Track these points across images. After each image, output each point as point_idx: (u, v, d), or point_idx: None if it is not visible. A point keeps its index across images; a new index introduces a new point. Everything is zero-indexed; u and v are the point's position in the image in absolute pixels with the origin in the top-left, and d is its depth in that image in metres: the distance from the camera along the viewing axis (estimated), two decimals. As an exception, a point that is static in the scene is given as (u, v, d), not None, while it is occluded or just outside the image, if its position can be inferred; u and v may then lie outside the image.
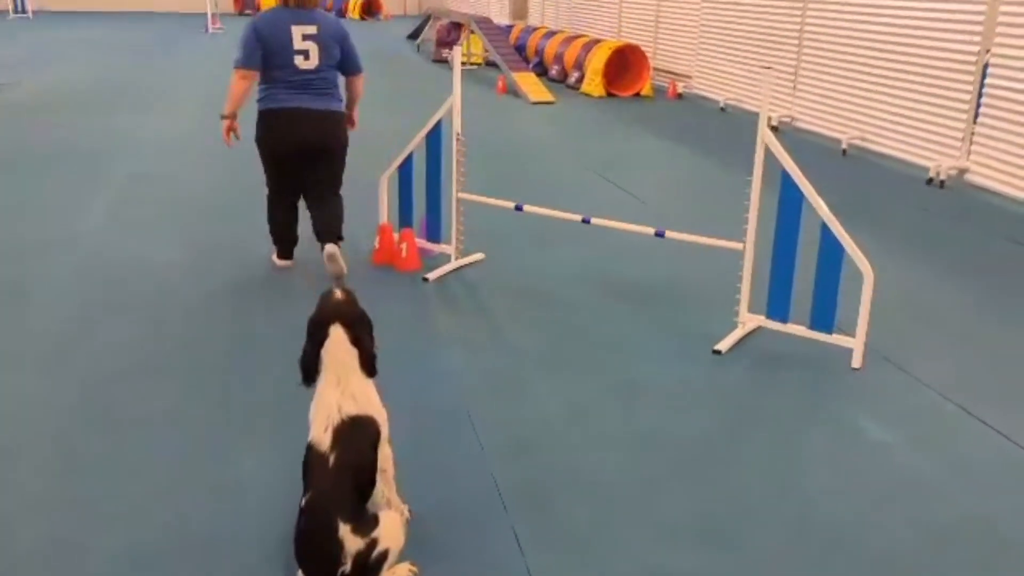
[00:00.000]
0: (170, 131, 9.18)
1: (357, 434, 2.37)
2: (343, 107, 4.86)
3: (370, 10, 28.07)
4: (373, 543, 2.28)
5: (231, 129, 4.92)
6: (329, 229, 4.77)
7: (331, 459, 2.31)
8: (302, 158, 4.76)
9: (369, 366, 2.47)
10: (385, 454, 2.50)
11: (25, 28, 21.51)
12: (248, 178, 7.15)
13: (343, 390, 2.40)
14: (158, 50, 17.38)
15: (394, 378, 3.75)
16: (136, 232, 5.75)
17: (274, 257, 5.13)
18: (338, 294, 2.50)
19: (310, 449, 2.37)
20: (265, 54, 4.56)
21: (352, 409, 2.39)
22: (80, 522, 2.73)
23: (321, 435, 2.35)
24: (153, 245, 5.48)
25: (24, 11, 24.23)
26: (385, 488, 2.50)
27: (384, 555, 2.30)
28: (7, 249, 5.34)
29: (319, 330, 2.47)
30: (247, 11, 28.75)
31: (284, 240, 5.08)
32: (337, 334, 2.44)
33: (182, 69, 14.44)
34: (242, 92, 4.73)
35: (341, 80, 4.88)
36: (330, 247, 4.60)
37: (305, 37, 4.56)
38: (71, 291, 4.69)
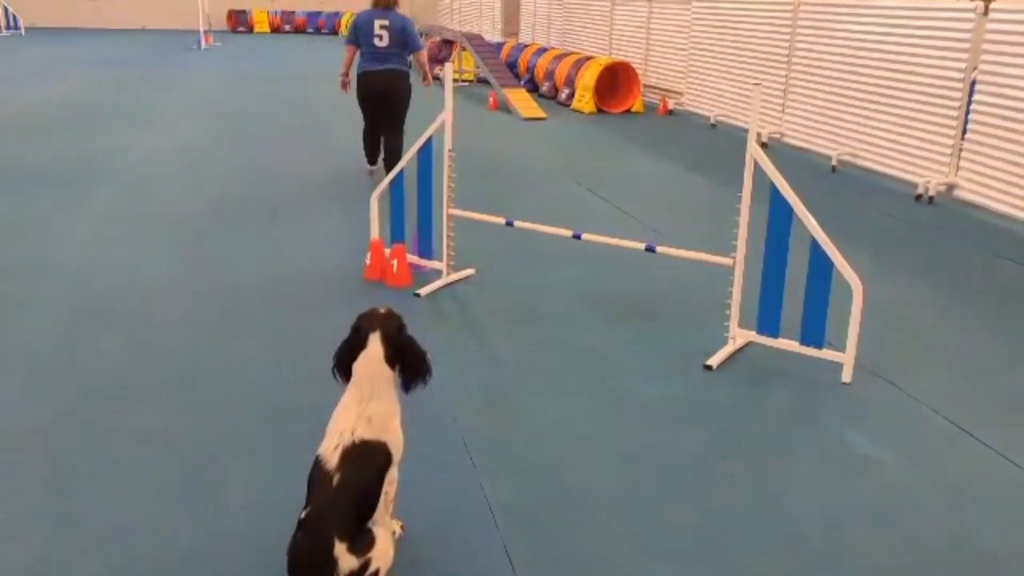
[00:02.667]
0: (161, 148, 9.18)
1: (365, 460, 2.36)
2: (404, 68, 7.32)
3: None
4: (367, 563, 2.26)
5: (345, 84, 7.66)
6: (389, 160, 7.36)
7: (335, 478, 2.30)
8: (375, 101, 7.34)
9: (407, 384, 2.49)
10: (391, 477, 2.48)
11: (17, 44, 21.53)
12: (239, 196, 7.17)
13: (362, 411, 2.40)
14: (152, 67, 17.40)
15: (385, 394, 3.75)
16: (124, 249, 5.74)
17: (365, 163, 7.84)
18: (382, 309, 2.53)
19: (317, 463, 2.37)
20: (358, 36, 7.25)
21: (366, 434, 2.38)
22: (67, 540, 2.71)
23: (330, 452, 2.35)
24: (141, 262, 5.47)
25: (17, 27, 24.25)
26: (382, 507, 2.49)
27: (375, 575, 2.29)
28: (-4, 266, 5.31)
29: (358, 336, 2.48)
30: (240, 28, 28.87)
31: (370, 153, 7.80)
32: (374, 347, 2.45)
33: (175, 86, 14.45)
34: (349, 59, 7.53)
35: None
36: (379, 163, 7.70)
37: (381, 27, 7.16)
38: (57, 309, 4.66)
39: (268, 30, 29.27)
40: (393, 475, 2.49)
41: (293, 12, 29.44)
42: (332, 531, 2.23)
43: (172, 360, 4.06)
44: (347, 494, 2.29)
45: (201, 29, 21.77)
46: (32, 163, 8.24)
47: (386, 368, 2.45)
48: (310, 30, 29.58)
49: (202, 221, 6.41)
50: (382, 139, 7.61)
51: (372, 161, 7.81)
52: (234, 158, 8.73)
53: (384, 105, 7.33)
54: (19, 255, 5.53)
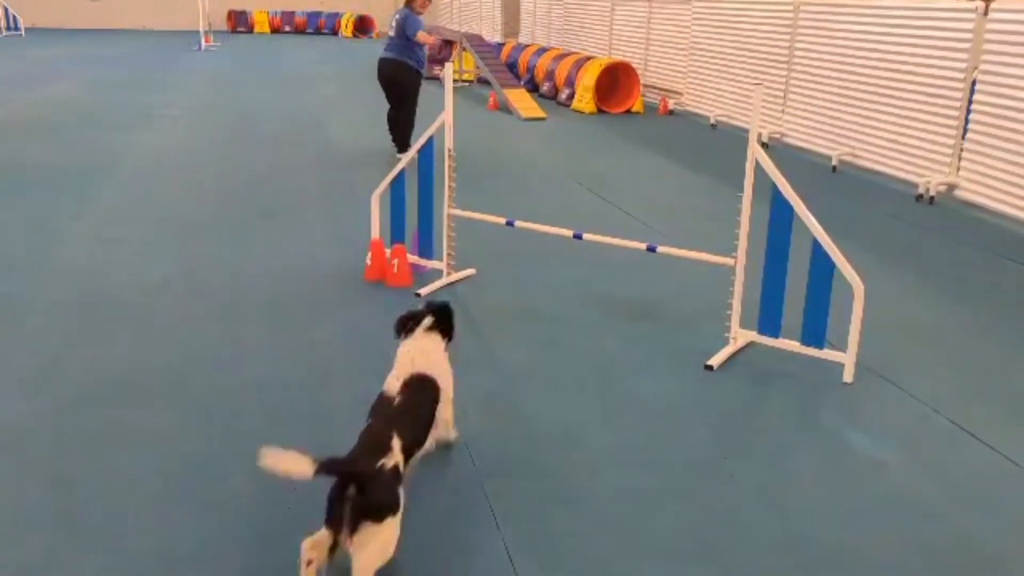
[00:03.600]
0: (161, 148, 9.18)
1: (421, 388, 2.85)
2: (402, 59, 8.45)
3: (363, 28, 28.20)
4: (397, 477, 2.46)
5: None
6: (390, 127, 8.74)
7: (396, 400, 2.75)
8: (381, 81, 8.65)
9: (449, 336, 3.17)
10: (446, 398, 3.06)
11: (17, 45, 21.52)
12: (239, 196, 7.16)
13: (416, 356, 2.94)
14: (152, 67, 17.39)
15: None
16: (125, 248, 5.73)
17: (393, 145, 8.84)
18: (434, 305, 3.19)
19: (380, 395, 2.81)
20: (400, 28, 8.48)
21: (421, 369, 2.89)
22: (68, 541, 2.70)
23: (393, 384, 2.82)
24: (142, 261, 5.46)
25: (17, 28, 24.24)
26: (442, 424, 3.08)
27: (389, 504, 2.39)
28: (-4, 266, 5.31)
29: (413, 319, 3.10)
30: (240, 28, 28.87)
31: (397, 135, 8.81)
32: (428, 318, 3.10)
33: (174, 86, 14.45)
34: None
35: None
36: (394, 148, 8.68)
37: (393, 21, 8.59)
38: (58, 307, 4.66)
39: (268, 30, 29.28)
40: (449, 395, 3.06)
41: (293, 12, 29.45)
42: (393, 427, 2.58)
43: (173, 360, 4.05)
44: (406, 410, 2.73)
45: (201, 30, 21.76)
46: (33, 163, 8.24)
47: (436, 333, 3.09)
48: (310, 30, 29.58)
49: (202, 220, 6.41)
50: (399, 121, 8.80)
51: (401, 148, 8.89)
52: (234, 158, 8.73)
53: (385, 86, 8.70)
54: (20, 253, 5.52)
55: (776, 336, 4.12)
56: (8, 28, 24.15)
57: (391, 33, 8.59)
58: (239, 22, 29.17)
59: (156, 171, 8.09)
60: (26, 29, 24.35)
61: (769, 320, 4.11)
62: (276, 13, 29.44)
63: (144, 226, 6.26)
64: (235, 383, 3.82)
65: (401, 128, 8.61)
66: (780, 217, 3.93)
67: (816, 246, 3.86)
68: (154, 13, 28.46)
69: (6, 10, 24.06)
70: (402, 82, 8.48)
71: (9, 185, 7.39)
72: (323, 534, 2.34)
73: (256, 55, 20.83)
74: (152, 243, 5.87)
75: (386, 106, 8.75)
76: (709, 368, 4.02)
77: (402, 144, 8.51)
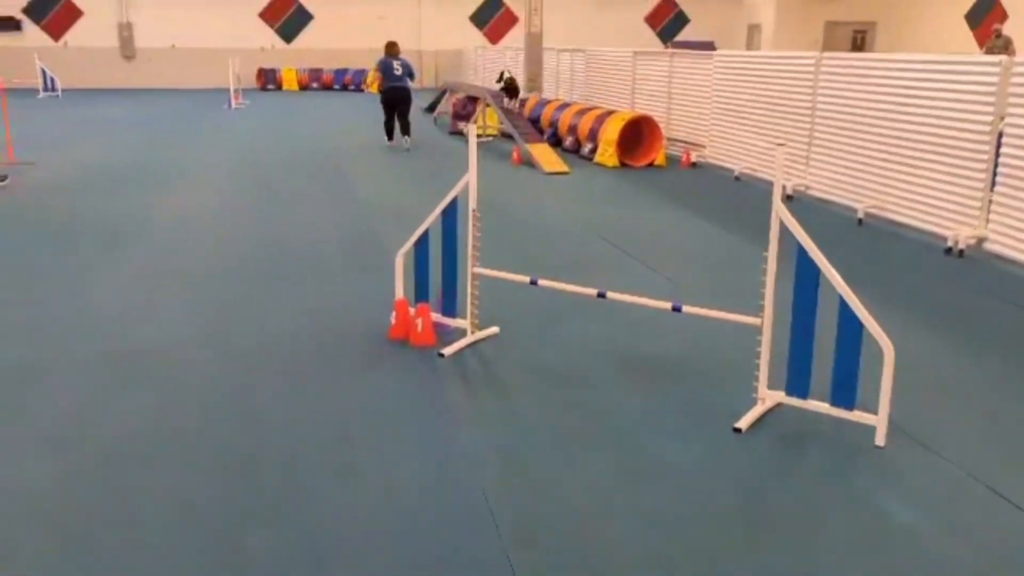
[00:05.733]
0: (190, 206, 9.33)
1: None
2: (406, 86, 13.76)
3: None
4: None
5: (372, 84, 17.66)
6: (404, 129, 13.90)
7: None
8: (393, 103, 13.91)
9: None
10: None
11: (55, 105, 22.15)
12: (265, 253, 7.24)
13: None
14: (183, 126, 17.81)
15: (408, 457, 3.71)
16: (153, 307, 5.79)
17: (387, 141, 14.23)
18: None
19: None
20: (383, 69, 13.79)
21: None
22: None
23: None
24: (169, 319, 5.51)
25: (55, 89, 24.97)
26: None
27: None
28: (21, 328, 5.38)
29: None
30: (269, 86, 29.54)
31: (389, 135, 14.23)
32: None
33: (205, 144, 14.76)
34: (376, 79, 14.35)
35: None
36: (407, 139, 13.83)
37: (397, 65, 13.71)
38: (85, 366, 4.70)
39: (296, 87, 29.92)
40: None
41: (320, 69, 30.11)
42: None
43: (196, 419, 4.06)
44: None
45: (231, 88, 22.29)
46: (65, 221, 8.41)
47: None
48: (337, 87, 30.19)
49: (228, 277, 6.48)
50: (397, 125, 14.12)
51: (391, 139, 14.38)
52: (261, 215, 8.85)
53: (398, 105, 14.00)
54: (48, 310, 5.60)
55: (805, 397, 4.05)
56: (46, 89, 24.88)
57: (398, 73, 13.82)
58: (268, 80, 29.85)
59: (184, 228, 8.22)
60: (63, 90, 25.08)
61: (797, 380, 4.05)
62: (304, 70, 30.12)
63: (171, 283, 6.33)
64: (259, 443, 3.81)
65: (407, 126, 14.13)
66: (806, 276, 3.89)
67: (843, 305, 3.81)
68: (186, 72, 29.23)
69: (44, 72, 24.83)
70: (409, 100, 14.12)
71: (41, 242, 7.53)
72: None
73: (284, 112, 21.27)
74: (179, 300, 5.93)
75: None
76: (737, 430, 3.95)
77: (407, 131, 14.11)
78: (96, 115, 19.92)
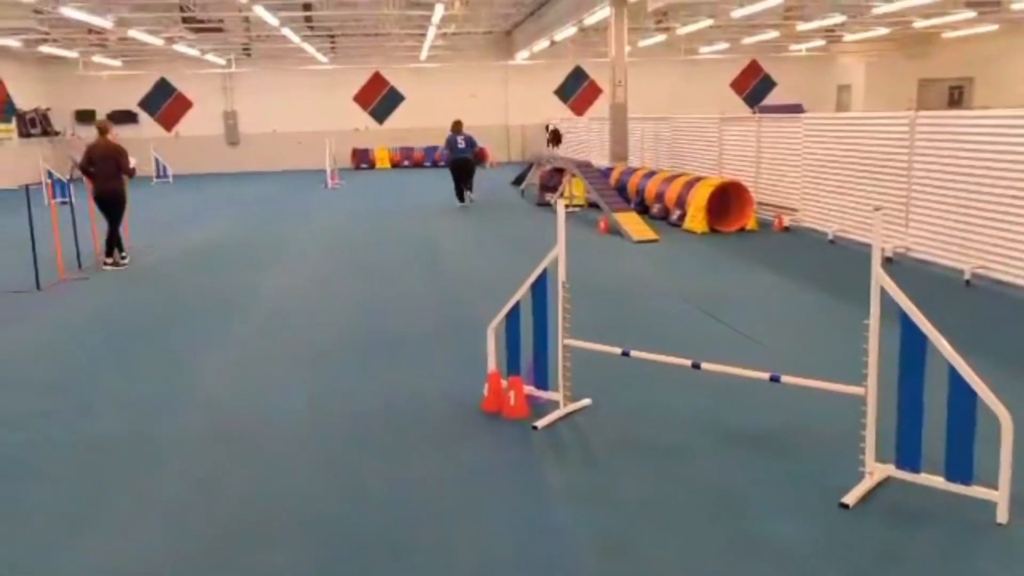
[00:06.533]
0: (290, 283, 9.70)
1: None
2: (470, 156, 17.07)
3: (477, 159, 29.46)
4: None
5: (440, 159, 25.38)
6: (469, 188, 17.02)
7: None
8: (459, 171, 16.85)
9: None
10: None
11: (167, 191, 23.55)
12: (361, 328, 7.43)
13: None
14: (283, 206, 18.63)
15: (503, 532, 3.68)
16: (255, 383, 6.00)
17: (457, 203, 16.79)
18: None
19: None
20: (449, 145, 16.89)
21: None
22: None
23: None
24: (271, 395, 5.69)
25: (166, 175, 26.61)
26: None
27: None
28: (136, 401, 5.64)
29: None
30: (363, 165, 30.70)
31: (459, 197, 16.87)
32: None
33: (303, 223, 15.38)
34: (445, 153, 18.46)
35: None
36: (469, 194, 17.02)
37: (461, 140, 16.69)
38: (192, 443, 4.88)
39: (389, 166, 30.98)
40: None
41: (411, 147, 31.15)
42: None
43: (300, 496, 4.14)
44: None
45: (328, 168, 23.27)
46: (176, 302, 8.85)
47: None
48: (427, 164, 31.13)
49: (327, 352, 6.66)
50: (464, 189, 16.89)
51: (461, 200, 16.88)
52: (356, 289, 9.12)
53: (463, 171, 16.86)
54: (161, 388, 5.86)
55: (917, 470, 3.85)
56: (159, 176, 26.51)
57: (462, 146, 16.66)
58: (362, 159, 31.02)
59: (286, 304, 8.53)
60: (174, 176, 26.68)
61: (908, 453, 3.85)
62: (395, 149, 31.22)
63: (274, 359, 6.55)
64: (360, 520, 3.86)
65: (471, 185, 17.12)
66: (911, 343, 3.74)
67: (953, 374, 3.63)
68: (285, 155, 30.71)
69: (157, 160, 26.52)
70: (473, 169, 17.20)
71: (156, 319, 7.94)
72: None
73: (377, 190, 22.02)
74: (282, 376, 6.12)
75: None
76: (844, 506, 3.77)
77: (470, 188, 17.12)
78: (204, 198, 21.07)
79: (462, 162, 16.77)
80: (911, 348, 3.75)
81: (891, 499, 3.85)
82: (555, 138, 24.36)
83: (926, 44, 28.86)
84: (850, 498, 3.81)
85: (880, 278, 3.77)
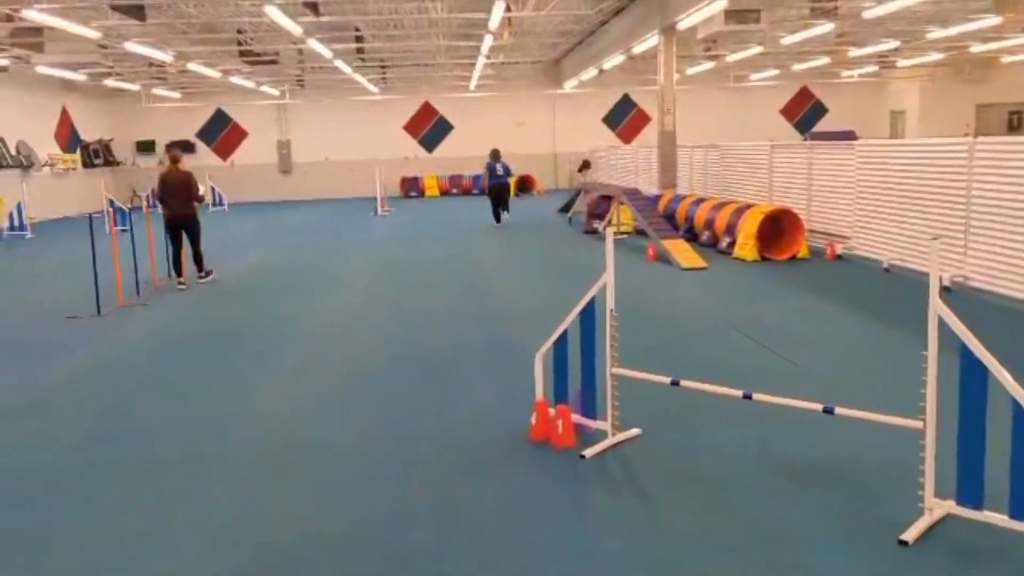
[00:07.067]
0: (338, 308, 9.82)
1: None
2: (508, 182, 19.24)
3: (524, 187, 29.62)
4: None
5: (485, 187, 21.61)
6: (506, 210, 18.84)
7: None
8: (497, 195, 18.81)
9: None
10: None
11: (223, 219, 24.10)
12: (409, 354, 7.47)
13: None
14: (334, 233, 18.94)
15: (550, 562, 3.65)
16: (304, 408, 6.06)
17: (494, 223, 18.54)
18: None
19: None
20: (489, 170, 18.94)
21: None
22: None
23: None
24: (318, 420, 5.74)
25: (221, 204, 27.28)
26: None
27: None
28: (189, 423, 5.74)
29: None
30: (412, 193, 31.07)
31: (496, 217, 18.65)
32: None
33: (355, 249, 15.60)
34: (486, 178, 19.94)
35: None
36: (506, 215, 18.82)
37: (500, 167, 18.67)
38: (242, 470, 4.94)
39: (437, 194, 31.31)
40: None
41: (460, 176, 31.44)
42: None
43: (347, 520, 4.16)
44: None
45: (378, 196, 23.62)
46: (228, 327, 9.02)
47: None
48: (476, 192, 31.36)
49: (374, 378, 6.71)
50: (501, 211, 18.54)
51: (498, 221, 18.53)
52: (404, 316, 9.19)
53: (501, 195, 18.71)
54: (211, 413, 5.96)
55: (979, 507, 3.72)
56: (215, 204, 27.20)
57: (500, 173, 18.56)
58: (411, 187, 31.40)
59: (333, 331, 8.63)
60: (229, 204, 27.33)
61: (969, 489, 3.72)
62: (444, 177, 31.55)
63: (322, 385, 6.62)
64: (405, 550, 3.85)
65: (508, 209, 18.86)
66: (971, 375, 3.63)
67: (1017, 407, 3.51)
68: (336, 183, 31.25)
69: (213, 189, 27.21)
70: (509, 192, 19.23)
71: (208, 346, 8.09)
72: None
73: (425, 217, 22.25)
74: (331, 400, 6.18)
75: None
76: (903, 543, 3.66)
77: (507, 211, 18.91)
78: (258, 225, 21.52)
79: (500, 187, 18.76)
80: (971, 380, 3.64)
81: (952, 537, 3.72)
82: (585, 165, 29.06)
83: (984, 69, 28.33)
84: (909, 535, 3.69)
85: (938, 307, 3.67)
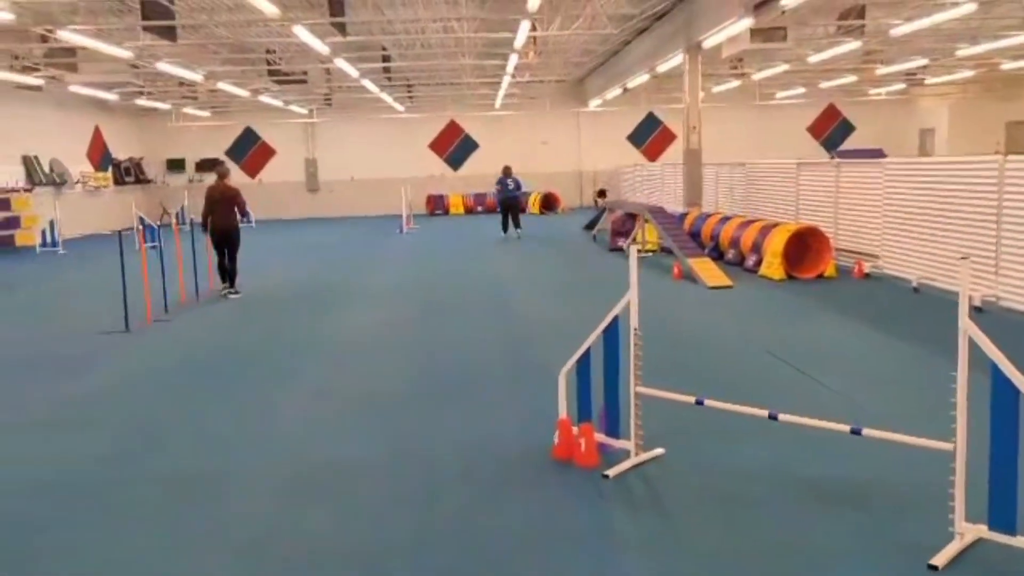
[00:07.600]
0: (361, 326, 9.85)
1: None
2: (518, 195, 20.72)
3: (548, 205, 29.66)
4: None
5: (536, 204, 28.69)
6: (516, 224, 20.07)
7: None
8: (507, 208, 20.30)
9: None
10: None
11: (250, 236, 24.07)
12: (431, 372, 7.48)
13: None
14: (359, 250, 19.07)
15: (573, 586, 3.62)
16: (325, 426, 6.08)
17: (502, 234, 20.01)
18: None
19: None
20: (500, 185, 20.38)
21: None
22: None
23: None
24: (341, 439, 5.75)
25: (249, 221, 27.55)
26: None
27: None
28: (213, 439, 5.78)
29: None
30: (437, 211, 31.21)
31: (504, 229, 20.09)
32: None
33: (381, 266, 15.69)
34: (496, 192, 21.55)
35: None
36: (517, 230, 19.95)
37: (510, 182, 20.17)
38: (264, 488, 4.95)
39: (463, 211, 31.42)
40: None
41: (484, 194, 31.54)
42: None
43: (369, 539, 4.15)
44: None
45: (403, 214, 23.75)
46: (256, 341, 9.09)
47: None
48: (499, 210, 31.45)
49: (397, 396, 6.71)
50: (511, 224, 19.66)
51: (505, 231, 19.72)
52: (427, 333, 9.20)
53: (511, 208, 19.88)
54: (233, 431, 5.99)
55: (1012, 532, 3.64)
56: (242, 221, 27.52)
57: (511, 187, 19.93)
58: (436, 205, 31.54)
59: (356, 348, 8.66)
60: (256, 221, 27.61)
61: (1001, 513, 3.65)
62: (469, 195, 31.67)
63: (345, 402, 6.64)
64: (426, 566, 3.84)
65: (518, 222, 19.93)
66: (1003, 398, 3.57)
67: (1051, 430, 3.45)
68: (363, 201, 31.49)
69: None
70: (518, 206, 20.35)
71: (233, 362, 8.15)
72: None
73: (450, 235, 22.34)
74: (351, 420, 6.19)
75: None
76: (933, 568, 3.59)
77: (517, 225, 19.89)
78: (285, 242, 21.72)
79: (510, 200, 20.23)
80: (1003, 402, 3.57)
81: (984, 561, 3.64)
82: (601, 194, 29.71)
83: (1014, 86, 28.01)
84: (939, 559, 3.62)
85: (968, 328, 3.62)
